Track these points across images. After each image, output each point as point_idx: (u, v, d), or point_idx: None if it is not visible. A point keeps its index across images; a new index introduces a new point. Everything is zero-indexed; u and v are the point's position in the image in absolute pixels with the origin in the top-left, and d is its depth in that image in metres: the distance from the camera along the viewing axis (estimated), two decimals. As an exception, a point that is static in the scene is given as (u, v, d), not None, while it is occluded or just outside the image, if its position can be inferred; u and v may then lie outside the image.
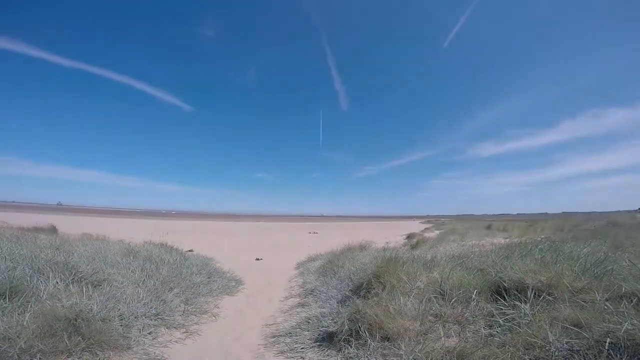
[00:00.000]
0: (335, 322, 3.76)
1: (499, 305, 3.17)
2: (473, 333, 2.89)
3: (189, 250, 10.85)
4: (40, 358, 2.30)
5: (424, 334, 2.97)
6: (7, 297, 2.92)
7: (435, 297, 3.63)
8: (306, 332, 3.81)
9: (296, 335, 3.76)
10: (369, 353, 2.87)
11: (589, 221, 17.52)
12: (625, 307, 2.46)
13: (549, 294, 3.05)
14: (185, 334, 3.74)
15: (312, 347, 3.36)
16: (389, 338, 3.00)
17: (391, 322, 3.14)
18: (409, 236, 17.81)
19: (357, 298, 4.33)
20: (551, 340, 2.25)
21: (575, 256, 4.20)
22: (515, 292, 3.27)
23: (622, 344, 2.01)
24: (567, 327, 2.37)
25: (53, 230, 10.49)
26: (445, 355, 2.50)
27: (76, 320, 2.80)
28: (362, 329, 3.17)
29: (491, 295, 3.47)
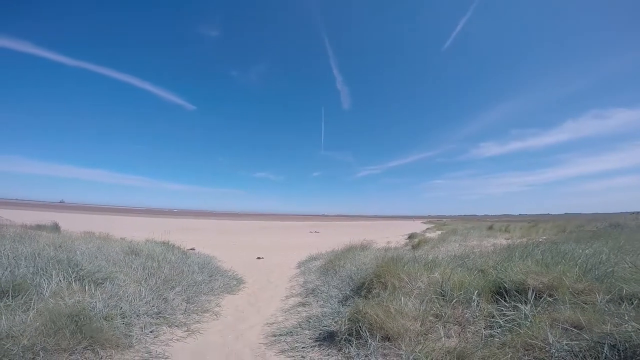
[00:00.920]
0: (336, 322, 3.77)
1: (500, 306, 3.17)
2: (473, 334, 2.89)
3: (191, 249, 10.91)
4: (43, 356, 2.32)
5: (425, 334, 2.97)
6: (10, 295, 2.94)
7: (436, 297, 3.63)
8: (307, 332, 3.81)
9: (297, 335, 3.76)
10: (369, 353, 2.87)
11: (591, 222, 17.45)
12: (626, 308, 2.46)
13: (549, 296, 3.04)
14: (186, 332, 3.75)
15: (313, 346, 3.37)
16: (389, 338, 3.01)
17: (392, 322, 3.15)
18: (411, 236, 17.79)
19: (358, 298, 4.34)
20: (551, 341, 2.26)
21: (576, 258, 4.19)
22: (516, 293, 3.26)
23: (622, 346, 2.01)
24: (567, 329, 2.37)
25: (56, 227, 10.54)
26: (446, 355, 2.50)
27: (79, 318, 2.82)
28: (362, 328, 3.17)
29: (492, 296, 3.46)
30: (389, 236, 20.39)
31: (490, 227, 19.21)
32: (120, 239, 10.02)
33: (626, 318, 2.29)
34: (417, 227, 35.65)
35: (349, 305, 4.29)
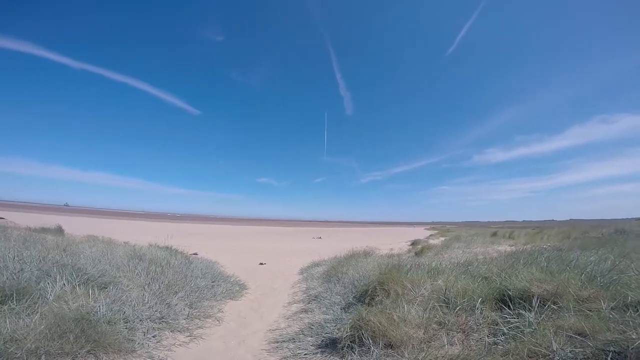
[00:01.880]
0: (338, 329, 3.76)
1: (504, 314, 3.14)
2: (477, 341, 2.87)
3: (194, 254, 10.91)
4: (46, 359, 2.33)
5: (428, 341, 2.96)
6: (15, 299, 2.96)
7: (439, 305, 3.61)
8: (309, 338, 3.81)
9: (299, 341, 3.76)
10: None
11: (596, 229, 17.24)
12: (631, 316, 2.43)
13: (554, 303, 3.01)
14: (189, 337, 3.76)
15: (315, 353, 3.36)
16: (392, 345, 2.99)
17: (395, 330, 3.13)
18: (414, 243, 17.69)
19: (361, 305, 4.33)
20: (555, 349, 2.24)
21: (581, 264, 4.16)
22: (520, 301, 3.24)
23: (626, 354, 1.99)
24: (571, 336, 2.34)
25: (60, 231, 10.61)
26: (449, 363, 2.48)
27: (82, 322, 2.84)
28: (365, 336, 3.16)
29: (496, 304, 3.44)
30: (392, 243, 20.28)
31: (494, 234, 19.06)
32: (124, 243, 10.07)
33: (631, 325, 2.26)
34: (421, 233, 35.44)
35: (351, 312, 4.27)
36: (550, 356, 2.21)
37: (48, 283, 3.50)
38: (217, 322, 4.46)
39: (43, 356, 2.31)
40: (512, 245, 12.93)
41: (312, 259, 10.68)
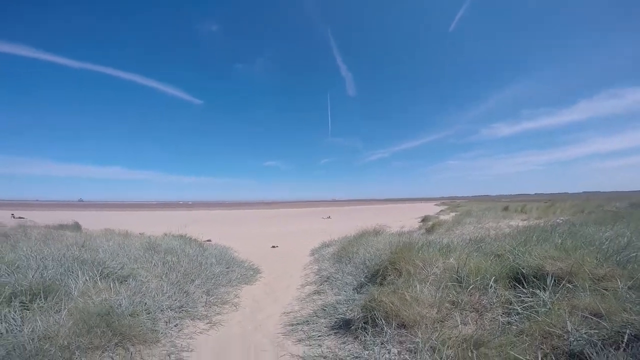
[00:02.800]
0: (351, 310, 3.82)
1: (517, 293, 3.12)
2: (490, 321, 2.88)
3: (207, 240, 11.17)
4: (78, 354, 2.46)
5: (441, 321, 2.98)
6: (42, 297, 3.10)
7: (452, 284, 3.62)
8: (323, 320, 3.89)
9: (313, 323, 3.85)
10: (385, 340, 2.91)
11: (610, 202, 16.90)
12: (649, 295, 2.40)
13: (569, 282, 2.99)
14: (208, 324, 3.90)
15: (329, 334, 3.45)
16: (405, 325, 3.03)
17: (407, 310, 3.16)
18: (424, 219, 17.69)
19: (373, 285, 4.38)
20: (570, 329, 2.24)
21: (596, 241, 4.08)
22: (534, 279, 3.21)
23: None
24: (586, 317, 2.34)
25: (77, 226, 10.97)
26: (462, 342, 2.51)
27: (107, 317, 2.96)
28: (378, 316, 3.20)
29: (509, 282, 3.42)
30: (402, 220, 20.33)
31: (506, 208, 18.86)
32: (139, 234, 10.36)
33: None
34: (431, 209, 35.39)
35: (363, 292, 4.34)
36: (564, 337, 2.21)
37: (71, 279, 3.64)
38: (234, 308, 4.61)
39: (76, 352, 2.44)
40: (524, 220, 12.81)
41: (322, 240, 10.84)
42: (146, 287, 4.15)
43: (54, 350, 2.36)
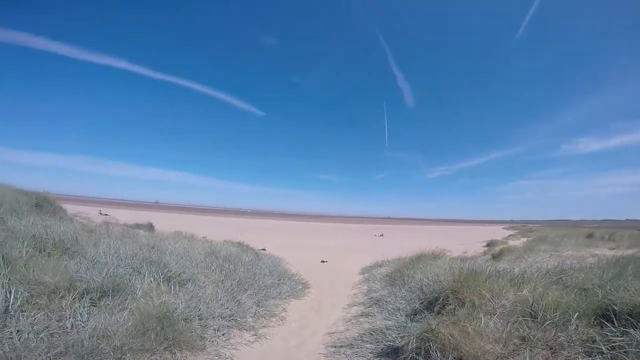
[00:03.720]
0: (402, 337, 3.52)
1: (605, 331, 2.62)
2: (566, 359, 2.45)
3: (262, 249, 11.58)
4: (130, 356, 2.61)
5: (506, 357, 2.62)
6: (110, 295, 3.42)
7: (524, 318, 3.10)
8: (369, 345, 3.66)
9: (358, 347, 3.63)
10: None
11: None
12: None
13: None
14: (254, 336, 3.91)
15: (375, 362, 3.18)
16: (463, 360, 2.65)
17: (469, 344, 2.80)
18: (490, 244, 15.92)
19: (430, 313, 3.98)
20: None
21: None
22: (628, 317, 2.66)
23: None
24: None
25: (150, 227, 12.31)
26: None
27: (164, 319, 3.13)
28: (433, 348, 2.90)
29: (595, 319, 2.86)
30: (464, 243, 18.65)
31: (590, 235, 16.06)
32: (203, 237, 11.19)
33: None
34: (497, 233, 31.90)
35: (418, 320, 3.96)
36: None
37: (138, 280, 3.98)
38: (281, 322, 4.58)
39: (128, 353, 2.59)
40: (613, 249, 10.79)
41: (374, 258, 10.38)
42: (202, 293, 4.34)
43: (108, 349, 2.52)
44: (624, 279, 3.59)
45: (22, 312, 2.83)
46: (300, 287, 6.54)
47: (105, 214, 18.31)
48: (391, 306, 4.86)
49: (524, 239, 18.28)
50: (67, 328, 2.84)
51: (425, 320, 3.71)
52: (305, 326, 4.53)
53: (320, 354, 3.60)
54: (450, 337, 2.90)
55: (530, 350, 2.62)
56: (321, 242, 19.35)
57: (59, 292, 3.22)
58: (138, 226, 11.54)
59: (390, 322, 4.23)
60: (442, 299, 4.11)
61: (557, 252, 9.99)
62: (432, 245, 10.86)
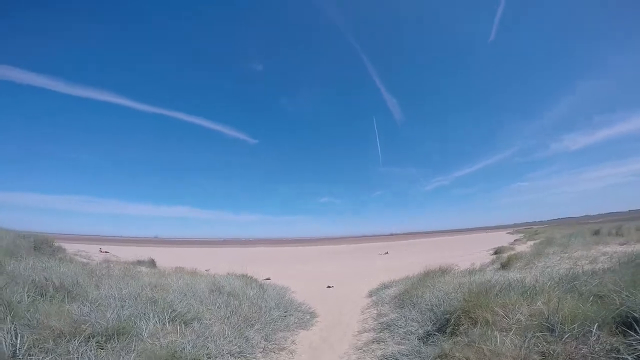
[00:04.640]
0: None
1: (629, 340, 2.54)
2: None
3: (267, 279, 11.36)
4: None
5: None
6: (116, 338, 3.34)
7: (541, 333, 3.03)
8: None
9: None
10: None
11: None
12: None
13: None
14: (265, 373, 3.77)
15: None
16: (484, 385, 2.57)
17: None
18: (497, 251, 15.64)
19: (442, 335, 3.88)
20: None
21: None
22: None
23: None
24: None
25: (152, 263, 12.09)
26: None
27: (172, 361, 3.04)
28: None
29: (617, 328, 2.78)
30: (471, 252, 18.38)
31: (597, 232, 15.86)
32: (206, 271, 10.99)
33: None
34: (503, 238, 31.52)
35: (431, 343, 3.85)
36: None
37: (143, 322, 3.88)
38: (290, 355, 4.44)
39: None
40: (622, 244, 10.64)
41: (380, 279, 10.20)
42: (209, 331, 4.22)
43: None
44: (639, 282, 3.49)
45: (30, 356, 2.89)
46: (308, 317, 6.37)
47: (106, 252, 18.02)
48: (402, 330, 4.74)
49: (531, 242, 18.06)
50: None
51: (439, 344, 3.63)
52: (316, 357, 4.39)
53: (334, 387, 3.47)
54: (466, 360, 2.83)
55: (552, 365, 2.51)
56: (326, 266, 19.02)
57: (65, 336, 3.19)
58: (139, 263, 11.34)
59: (403, 347, 4.12)
60: (454, 320, 4.02)
61: (566, 253, 9.84)
62: (438, 258, 10.70)
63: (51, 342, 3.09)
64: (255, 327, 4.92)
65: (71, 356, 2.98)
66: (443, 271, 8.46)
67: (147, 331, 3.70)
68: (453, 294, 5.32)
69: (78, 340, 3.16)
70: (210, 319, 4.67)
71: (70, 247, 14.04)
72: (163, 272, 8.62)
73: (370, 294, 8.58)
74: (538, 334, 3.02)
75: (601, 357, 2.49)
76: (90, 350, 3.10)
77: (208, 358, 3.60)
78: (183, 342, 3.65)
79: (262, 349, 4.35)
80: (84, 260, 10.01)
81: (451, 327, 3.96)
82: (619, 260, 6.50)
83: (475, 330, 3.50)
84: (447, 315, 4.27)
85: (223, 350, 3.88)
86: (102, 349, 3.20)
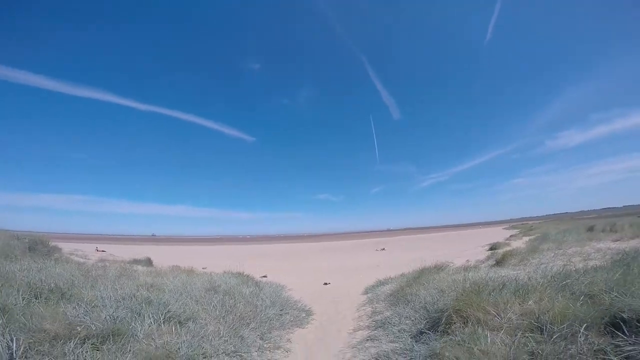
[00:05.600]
0: (409, 361, 3.41)
1: (617, 341, 2.59)
2: None
3: (263, 276, 11.41)
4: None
5: None
6: (111, 339, 3.36)
7: (530, 333, 3.08)
8: None
9: None
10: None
11: None
12: None
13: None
14: (261, 372, 3.82)
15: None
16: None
17: None
18: (493, 247, 15.80)
19: (434, 334, 3.93)
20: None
21: None
22: (638, 324, 2.67)
23: None
24: None
25: (149, 262, 12.11)
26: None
27: (167, 362, 3.07)
28: None
29: (605, 328, 2.84)
30: (466, 248, 18.54)
31: (591, 228, 16.04)
32: (202, 269, 11.03)
33: None
34: (499, 234, 31.79)
35: (423, 341, 3.91)
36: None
37: (138, 322, 3.90)
38: (286, 354, 4.48)
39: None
40: (616, 241, 10.80)
41: (377, 276, 10.27)
42: (204, 331, 4.25)
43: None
44: (629, 282, 3.56)
45: (26, 358, 2.93)
46: (304, 315, 6.41)
47: (102, 251, 18.00)
48: (396, 328, 4.80)
49: (526, 238, 18.23)
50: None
51: (430, 343, 3.68)
52: (311, 356, 4.44)
53: (328, 385, 3.52)
54: (455, 360, 2.87)
55: (541, 365, 2.54)
56: (323, 263, 19.10)
57: (60, 339, 3.21)
58: (136, 262, 11.36)
59: (396, 345, 4.18)
60: (446, 319, 4.07)
61: (560, 250, 9.97)
62: (434, 255, 10.79)
63: (47, 345, 3.10)
64: (251, 325, 4.96)
65: (67, 358, 2.99)
66: (438, 268, 8.54)
67: (142, 332, 3.72)
68: (447, 291, 5.39)
69: (74, 343, 3.17)
70: (205, 319, 4.70)
71: (67, 247, 14.00)
72: (159, 271, 8.64)
73: (366, 291, 8.65)
74: (528, 333, 3.07)
75: (588, 358, 2.53)
76: (86, 352, 3.12)
77: (204, 358, 3.63)
78: (178, 343, 3.68)
79: (257, 348, 4.39)
80: (80, 260, 9.98)
81: (443, 325, 4.01)
82: (611, 258, 6.60)
83: (466, 329, 3.55)
84: (439, 314, 4.33)
85: (218, 349, 3.91)
86: (97, 350, 3.21)
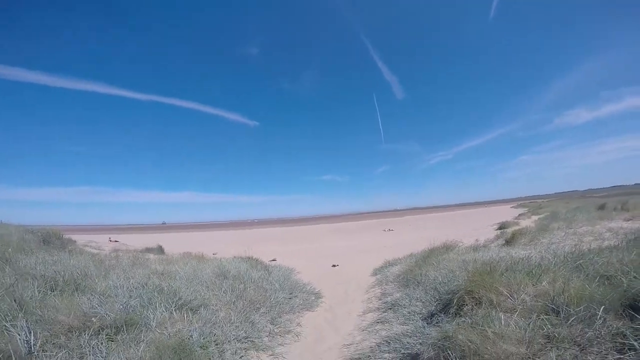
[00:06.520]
0: (420, 343, 3.44)
1: (635, 324, 2.48)
2: (596, 357, 2.31)
3: (272, 260, 11.56)
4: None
5: (531, 359, 2.48)
6: (125, 330, 3.41)
7: (546, 315, 2.98)
8: (387, 355, 3.58)
9: (376, 358, 3.57)
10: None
11: None
12: None
13: None
14: (271, 356, 3.88)
15: (396, 374, 3.12)
16: (487, 366, 2.56)
17: (490, 347, 2.67)
18: (501, 226, 15.66)
19: (446, 316, 3.89)
20: None
21: None
22: None
23: None
24: None
25: (160, 250, 12.35)
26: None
27: (180, 350, 3.11)
28: (452, 356, 2.78)
29: (623, 311, 2.71)
30: (475, 228, 18.43)
31: (602, 206, 15.72)
32: (213, 255, 11.20)
33: None
34: (507, 213, 31.52)
35: (434, 324, 3.87)
36: None
37: (150, 311, 3.96)
38: (296, 338, 4.54)
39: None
40: (628, 220, 10.56)
41: (385, 257, 10.30)
42: (215, 317, 4.31)
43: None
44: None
45: (44, 351, 2.95)
46: (313, 298, 6.49)
47: (115, 241, 18.44)
48: (406, 310, 4.79)
49: (535, 217, 18.02)
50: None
51: (442, 326, 3.64)
52: (321, 339, 4.49)
53: (338, 368, 3.56)
54: (469, 343, 2.78)
55: (557, 349, 2.48)
56: (331, 244, 19.28)
57: (75, 331, 3.27)
58: (148, 250, 11.59)
59: (406, 327, 4.14)
60: (458, 300, 4.02)
61: (571, 229, 9.82)
62: (442, 234, 10.74)
63: (62, 338, 3.16)
64: (261, 310, 5.02)
65: (83, 350, 3.05)
66: (447, 248, 8.49)
67: (154, 321, 3.78)
68: (457, 272, 5.33)
69: (88, 334, 3.23)
70: (216, 305, 4.76)
71: (81, 238, 14.34)
72: (170, 259, 8.79)
73: (375, 273, 8.69)
74: (543, 316, 2.96)
75: (607, 342, 2.42)
76: (102, 344, 3.18)
77: (215, 344, 3.67)
78: (190, 330, 3.73)
79: (268, 333, 4.45)
80: (94, 251, 10.20)
81: (455, 307, 3.96)
82: (625, 237, 6.43)
83: (479, 310, 3.48)
84: (451, 295, 4.29)
85: (230, 336, 3.96)
86: (112, 341, 3.27)
